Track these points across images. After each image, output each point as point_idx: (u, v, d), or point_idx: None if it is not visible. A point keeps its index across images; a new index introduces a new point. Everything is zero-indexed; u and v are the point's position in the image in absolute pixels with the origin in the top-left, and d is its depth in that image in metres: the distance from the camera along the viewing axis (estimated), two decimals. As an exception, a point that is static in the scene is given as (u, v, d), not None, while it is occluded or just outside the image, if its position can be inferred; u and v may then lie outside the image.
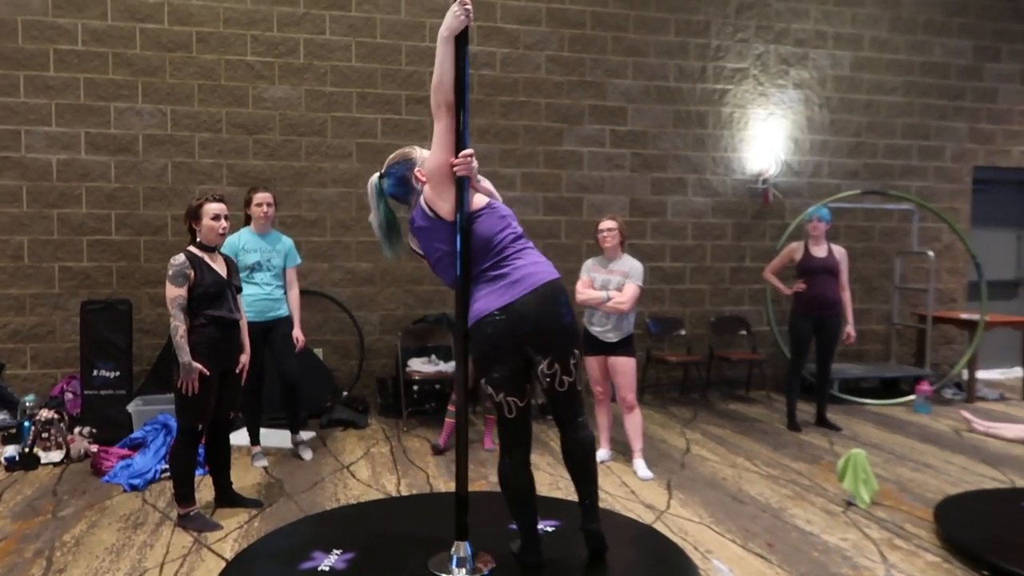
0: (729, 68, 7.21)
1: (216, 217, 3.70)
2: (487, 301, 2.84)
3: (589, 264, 4.82)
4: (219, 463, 3.95)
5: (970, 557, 3.40)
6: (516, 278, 2.84)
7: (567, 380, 2.91)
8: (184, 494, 3.67)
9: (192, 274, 3.59)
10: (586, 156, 6.87)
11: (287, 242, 4.86)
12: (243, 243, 4.64)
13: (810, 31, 7.40)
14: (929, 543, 3.63)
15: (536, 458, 4.98)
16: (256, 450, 4.78)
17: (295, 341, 4.75)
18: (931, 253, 7.45)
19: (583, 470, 3.03)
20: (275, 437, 5.21)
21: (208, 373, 3.58)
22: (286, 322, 4.75)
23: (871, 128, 7.60)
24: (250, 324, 4.52)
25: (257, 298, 4.61)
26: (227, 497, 3.95)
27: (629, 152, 6.98)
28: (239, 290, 3.89)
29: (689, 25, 7.07)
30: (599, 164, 6.91)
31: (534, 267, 2.89)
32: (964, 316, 7.26)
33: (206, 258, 3.69)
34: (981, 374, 7.50)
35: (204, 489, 4.13)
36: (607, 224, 4.71)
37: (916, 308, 7.69)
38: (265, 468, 4.65)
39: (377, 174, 3.13)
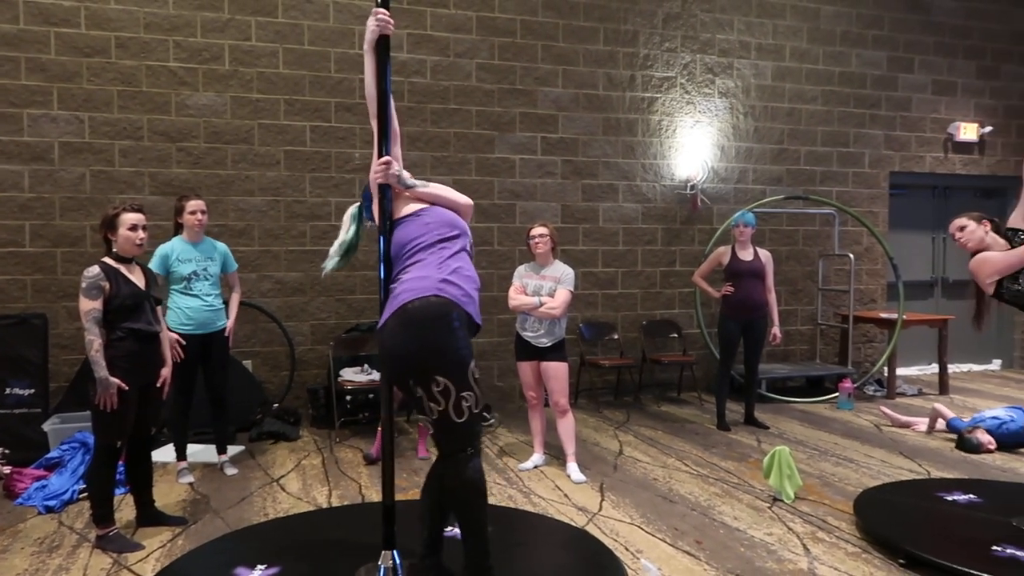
0: (657, 77, 7.35)
1: (133, 227, 3.59)
2: (384, 314, 2.74)
3: (521, 270, 4.84)
4: (140, 481, 3.82)
5: (887, 547, 3.53)
6: (394, 294, 2.72)
7: (434, 408, 2.60)
8: (103, 514, 3.54)
9: (107, 286, 3.47)
10: (518, 163, 6.91)
11: (222, 248, 4.76)
12: (176, 253, 4.52)
13: (734, 42, 7.61)
14: (849, 535, 3.75)
15: (470, 465, 4.96)
16: (182, 466, 4.65)
17: (227, 334, 4.65)
18: (851, 255, 7.73)
19: (456, 509, 2.74)
20: (202, 452, 5.07)
21: (126, 388, 3.46)
22: (224, 334, 4.65)
23: (793, 135, 7.85)
24: (189, 337, 4.42)
25: (196, 310, 4.50)
26: (149, 516, 3.82)
27: (560, 159, 7.06)
28: (158, 302, 3.78)
29: (617, 35, 7.20)
30: (531, 171, 6.96)
31: (410, 283, 2.67)
32: (883, 315, 7.55)
33: (122, 269, 3.57)
34: (900, 371, 7.80)
35: (125, 508, 3.99)
36: (539, 230, 4.75)
37: (839, 308, 7.96)
38: (191, 484, 4.52)
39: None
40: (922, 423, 5.96)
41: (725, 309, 5.89)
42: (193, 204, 4.57)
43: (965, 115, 8.55)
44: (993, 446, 5.30)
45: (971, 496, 4.07)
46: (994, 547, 3.36)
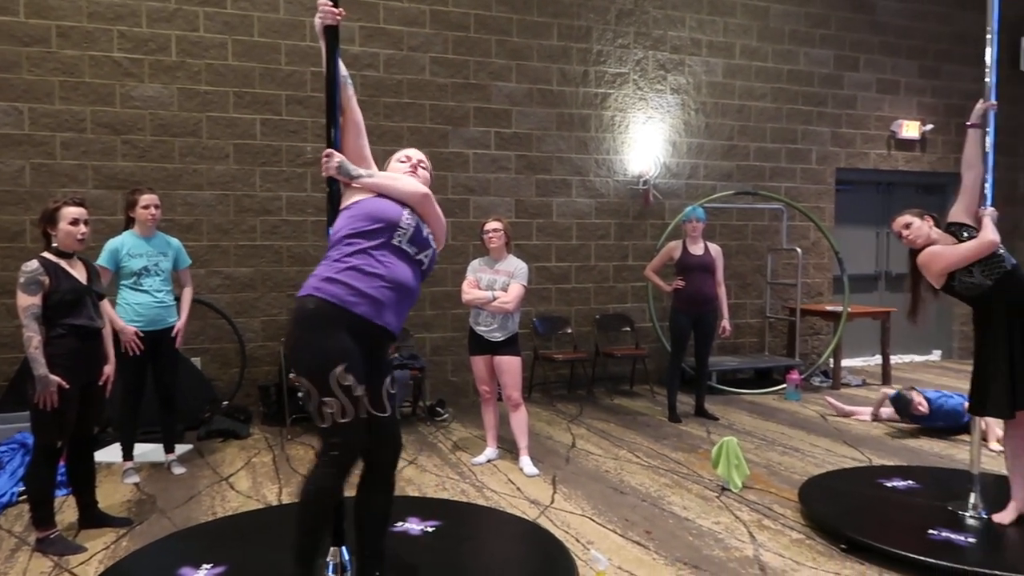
0: (610, 73, 7.41)
1: (75, 222, 3.49)
2: None
3: (475, 264, 4.85)
4: (83, 482, 3.73)
5: (830, 533, 3.63)
6: None
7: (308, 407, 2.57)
8: (42, 517, 3.45)
9: (47, 281, 3.37)
10: (471, 158, 6.91)
11: (175, 244, 4.66)
12: (127, 248, 4.41)
13: (686, 39, 7.71)
14: (794, 522, 3.85)
15: (424, 460, 4.97)
16: (128, 466, 4.55)
17: (175, 333, 4.56)
18: (799, 250, 7.90)
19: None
20: (150, 452, 4.97)
21: (67, 386, 3.37)
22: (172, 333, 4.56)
23: (743, 132, 7.99)
24: (137, 334, 4.31)
25: (146, 306, 4.40)
26: (92, 517, 3.74)
27: (514, 154, 7.07)
28: (101, 297, 3.69)
29: (571, 30, 7.23)
30: (484, 166, 6.96)
31: (307, 281, 2.63)
32: (829, 308, 7.74)
33: (63, 264, 3.48)
34: (845, 362, 8.02)
35: (67, 510, 3.89)
36: (492, 225, 4.76)
37: (786, 302, 8.13)
38: (137, 484, 4.43)
39: None
40: (865, 412, 6.13)
41: (676, 303, 5.98)
42: (146, 198, 4.47)
43: (908, 113, 8.79)
44: (924, 408, 5.51)
45: (910, 482, 4.20)
46: (930, 531, 3.48)
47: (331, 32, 2.83)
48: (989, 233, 3.45)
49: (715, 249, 6.03)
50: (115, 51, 5.84)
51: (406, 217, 2.67)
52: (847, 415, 6.19)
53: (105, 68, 5.82)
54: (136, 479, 4.49)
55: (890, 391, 6.00)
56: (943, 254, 3.52)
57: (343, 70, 2.88)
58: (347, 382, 2.47)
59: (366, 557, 2.82)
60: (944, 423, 5.57)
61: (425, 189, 2.77)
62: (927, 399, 5.58)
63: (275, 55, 6.25)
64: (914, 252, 3.71)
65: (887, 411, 6.01)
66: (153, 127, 5.96)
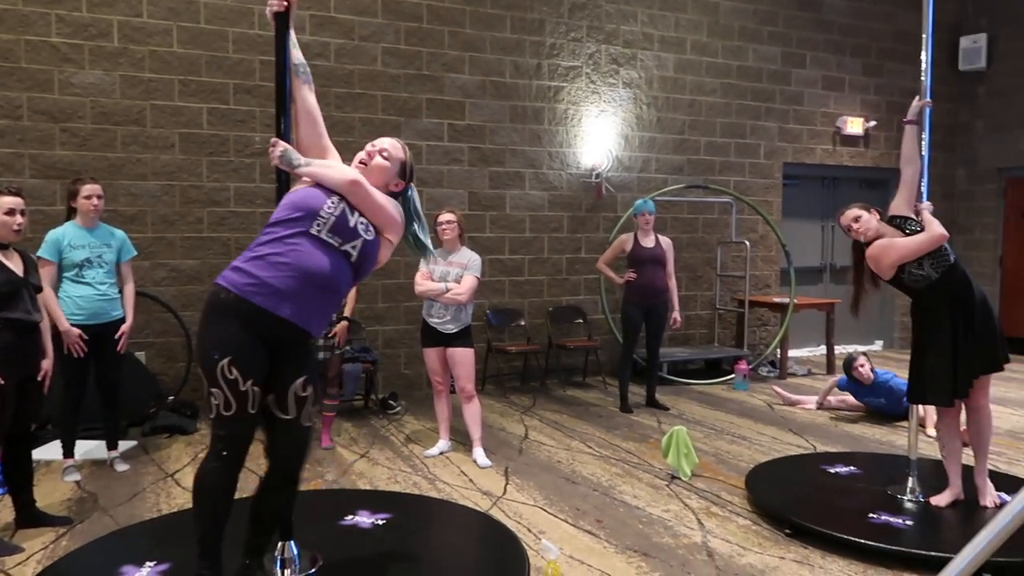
0: (563, 66, 7.43)
1: (10, 212, 3.38)
2: None
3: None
4: (19, 480, 3.60)
5: (775, 518, 3.71)
6: None
7: None
8: (-23, 516, 3.34)
9: (-20, 273, 3.25)
10: (424, 150, 6.86)
11: (120, 235, 4.53)
12: (68, 239, 4.27)
13: (638, 33, 7.77)
14: (741, 508, 3.93)
15: (376, 453, 4.94)
16: (68, 463, 4.42)
17: (120, 336, 4.43)
18: (747, 243, 8.05)
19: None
20: (92, 449, 4.84)
21: (3, 382, 3.26)
22: (119, 325, 4.43)
23: (694, 126, 8.09)
24: (80, 328, 4.19)
25: (88, 299, 4.27)
26: (30, 516, 3.62)
27: (467, 146, 7.05)
28: (38, 289, 3.57)
29: (524, 23, 7.23)
30: (437, 158, 6.93)
31: None
32: (776, 300, 7.91)
33: (-2, 255, 3.36)
34: (792, 352, 8.20)
35: (4, 510, 3.77)
36: (446, 217, 4.74)
37: (735, 293, 8.28)
38: (77, 482, 4.30)
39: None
40: (810, 401, 6.28)
41: (627, 295, 6.04)
42: (88, 188, 4.34)
43: (852, 110, 9.01)
44: (866, 370, 5.72)
45: (851, 468, 4.32)
46: (871, 515, 3.59)
47: (280, 19, 2.78)
48: (937, 227, 3.56)
49: (666, 242, 6.10)
50: (53, 36, 5.65)
51: (328, 206, 2.54)
52: (793, 404, 6.34)
53: (42, 53, 5.63)
54: (77, 477, 4.36)
55: (838, 378, 6.16)
56: (895, 246, 3.60)
57: (299, 59, 2.82)
58: (232, 375, 2.41)
59: (244, 550, 2.71)
60: (886, 401, 5.71)
61: (353, 175, 2.57)
62: (874, 373, 5.75)
63: (222, 43, 6.11)
64: (858, 245, 3.80)
65: (835, 398, 6.17)
66: (94, 115, 5.78)
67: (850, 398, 6.08)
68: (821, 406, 6.20)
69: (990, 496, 3.73)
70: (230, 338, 2.43)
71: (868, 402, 5.88)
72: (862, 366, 5.75)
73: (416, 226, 2.85)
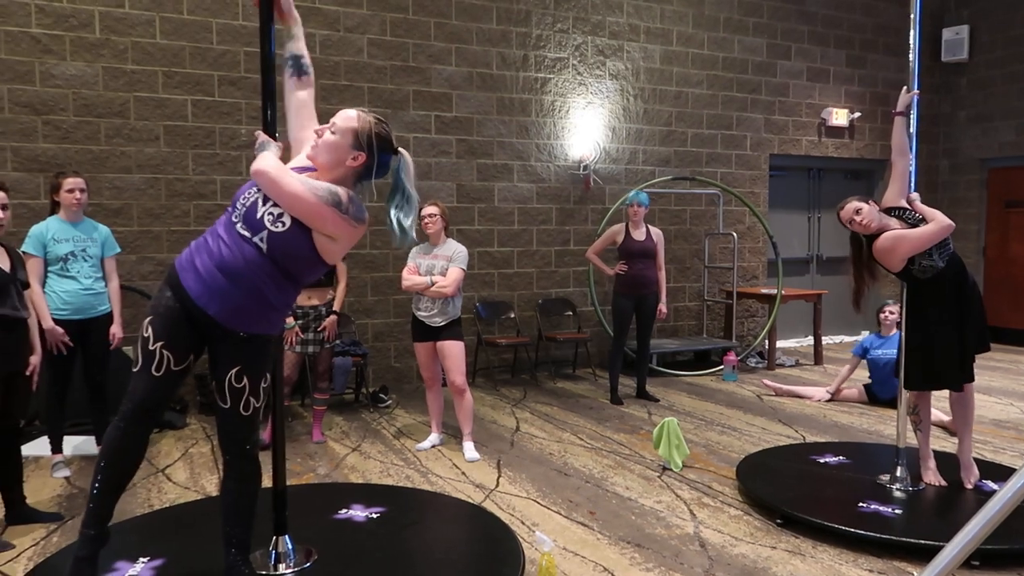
0: (550, 58, 7.41)
1: None
2: None
3: (414, 251, 4.80)
4: (8, 477, 3.56)
5: (766, 508, 3.74)
6: None
7: None
8: (-35, 514, 3.30)
9: (-35, 268, 3.21)
10: (412, 142, 6.83)
11: (103, 230, 4.49)
12: (52, 233, 4.23)
13: (624, 24, 7.76)
14: (732, 499, 3.95)
15: (368, 447, 4.93)
16: (57, 459, 4.38)
17: (111, 338, 4.40)
18: (735, 234, 8.08)
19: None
20: (81, 444, 4.80)
21: (-10, 378, 3.22)
22: (106, 320, 4.39)
23: (680, 118, 8.10)
24: (66, 323, 4.16)
25: (74, 293, 4.23)
26: (20, 513, 3.58)
27: (455, 138, 7.02)
28: (25, 285, 3.53)
29: (510, 14, 7.20)
30: (425, 150, 6.90)
31: None
32: (764, 291, 7.96)
33: (-18, 250, 3.31)
34: (780, 343, 8.26)
35: (-8, 506, 3.73)
36: (429, 210, 4.72)
37: (723, 285, 8.32)
38: (67, 478, 4.27)
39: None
40: (817, 393, 6.24)
41: (618, 286, 6.05)
42: (71, 182, 4.29)
43: (836, 101, 9.06)
44: (894, 316, 5.78)
45: (841, 458, 4.35)
46: (860, 504, 3.62)
47: (264, 6, 2.76)
48: (943, 216, 3.62)
49: (656, 233, 6.12)
50: (33, 27, 5.56)
51: (244, 196, 2.50)
52: (794, 395, 6.31)
53: (23, 44, 5.54)
54: (66, 472, 4.33)
55: (853, 348, 6.15)
56: (907, 238, 3.61)
57: (291, 50, 2.80)
58: (147, 334, 2.48)
59: (224, 542, 2.68)
60: (895, 356, 5.57)
61: (256, 166, 2.41)
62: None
63: (206, 34, 6.04)
64: (856, 238, 3.81)
65: (847, 389, 6.16)
66: (76, 107, 5.70)
67: (855, 391, 6.11)
68: (834, 396, 6.15)
69: (973, 476, 3.80)
70: (157, 302, 2.52)
71: (881, 356, 5.84)
72: (892, 312, 5.81)
73: (394, 205, 2.57)
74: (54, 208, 4.35)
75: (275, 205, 2.43)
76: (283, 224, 2.41)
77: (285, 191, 2.39)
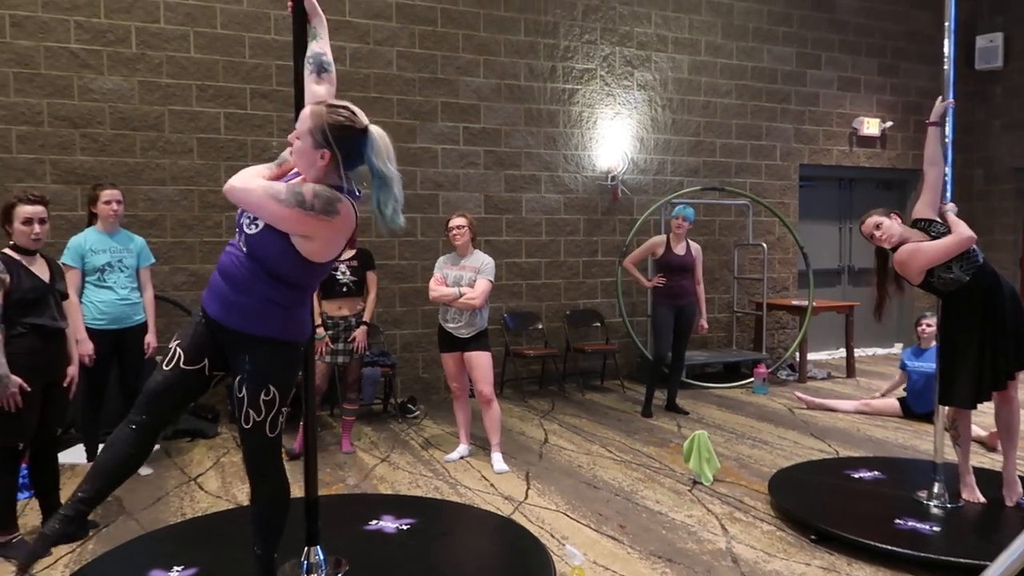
0: (577, 69, 7.42)
1: (27, 221, 3.37)
2: (306, 324, 2.68)
3: (441, 261, 4.82)
4: (46, 484, 3.62)
5: (799, 524, 3.68)
6: None
7: None
8: (4, 520, 3.35)
9: (7, 279, 3.27)
10: (440, 153, 6.86)
11: (139, 241, 4.58)
12: (90, 244, 4.32)
13: (652, 35, 7.75)
14: (765, 514, 3.90)
15: (396, 457, 4.93)
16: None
17: (147, 347, 4.46)
18: (765, 245, 8.01)
19: None
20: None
21: (28, 388, 3.27)
22: (141, 329, 4.46)
23: (709, 128, 8.06)
24: (102, 332, 4.23)
25: (111, 303, 4.31)
26: (56, 520, 3.64)
27: (483, 150, 7.04)
28: (64, 296, 3.59)
29: (538, 25, 7.22)
30: (453, 161, 6.93)
31: None
32: (795, 302, 7.86)
33: (24, 261, 3.37)
34: (811, 355, 8.15)
35: (30, 513, 3.79)
36: (456, 222, 4.73)
37: (753, 296, 8.24)
38: (101, 486, 4.32)
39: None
40: (849, 405, 6.18)
41: (658, 296, 6.00)
42: (108, 193, 4.37)
43: (868, 110, 8.95)
44: (931, 329, 5.55)
45: (876, 473, 4.28)
46: (897, 521, 3.55)
47: (298, 16, 2.82)
48: (964, 229, 3.53)
49: (696, 248, 6.08)
50: (72, 42, 5.68)
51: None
52: (826, 409, 6.23)
53: (62, 60, 5.67)
54: (100, 481, 4.38)
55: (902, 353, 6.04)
56: (923, 251, 3.56)
57: (312, 49, 2.82)
58: (174, 338, 2.61)
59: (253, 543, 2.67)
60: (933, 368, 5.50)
61: (228, 183, 2.42)
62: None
63: (239, 47, 6.13)
64: (881, 250, 3.77)
65: (879, 401, 6.08)
66: (113, 120, 5.82)
67: (889, 404, 6.02)
68: (868, 409, 6.10)
69: (1016, 494, 3.71)
70: (193, 315, 2.67)
71: (917, 368, 5.75)
72: (929, 325, 5.70)
73: (374, 188, 2.42)
74: (91, 220, 4.43)
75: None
76: (256, 227, 2.42)
77: (250, 201, 2.37)
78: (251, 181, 2.40)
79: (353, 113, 2.42)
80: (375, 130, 2.42)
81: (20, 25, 5.53)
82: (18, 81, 5.55)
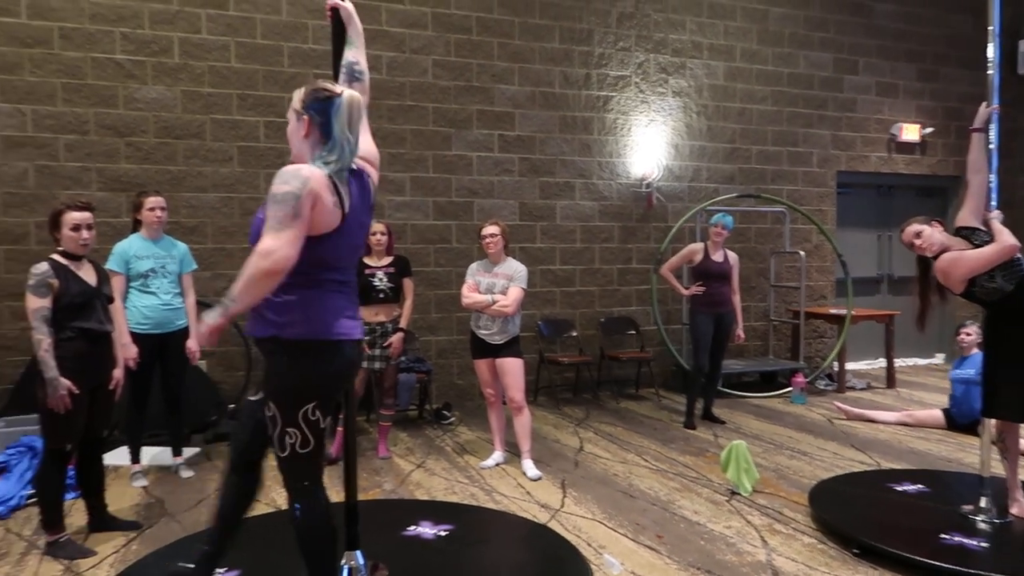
0: (612, 76, 7.41)
1: (76, 228, 3.45)
2: (352, 321, 2.47)
3: (473, 268, 4.84)
4: (92, 485, 3.71)
5: (841, 537, 3.61)
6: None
7: None
8: (52, 520, 3.43)
9: (56, 283, 3.35)
10: (475, 160, 6.90)
11: (182, 247, 4.66)
12: (135, 250, 4.41)
13: (687, 42, 7.72)
14: (805, 526, 3.84)
15: (432, 463, 4.95)
16: (135, 469, 4.53)
17: (189, 352, 4.54)
18: (802, 253, 7.91)
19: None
20: (157, 455, 4.94)
21: (76, 390, 3.35)
22: (183, 334, 4.54)
23: (744, 135, 8.00)
24: (146, 336, 4.31)
25: (154, 308, 4.40)
26: (101, 521, 3.72)
27: (517, 157, 7.06)
28: (110, 300, 3.67)
29: (572, 33, 7.23)
30: (488, 169, 6.95)
31: None
32: (833, 311, 7.74)
33: (71, 266, 3.46)
34: (850, 365, 8.02)
35: (76, 513, 3.86)
36: (490, 230, 4.74)
37: (790, 305, 8.13)
38: (145, 488, 4.41)
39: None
40: (889, 414, 6.10)
41: (697, 304, 5.94)
42: (152, 200, 4.47)
43: (907, 116, 8.81)
44: (971, 338, 5.50)
45: (920, 486, 4.19)
46: (942, 535, 3.47)
47: (337, 27, 2.87)
48: (1008, 236, 3.46)
49: (733, 257, 6.03)
50: (118, 53, 5.82)
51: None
52: (864, 419, 6.14)
53: (108, 70, 5.80)
54: (144, 482, 4.46)
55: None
56: (964, 260, 3.50)
57: (346, 58, 2.84)
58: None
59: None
60: (975, 374, 5.23)
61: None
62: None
63: (278, 57, 6.23)
64: (923, 258, 3.71)
65: (929, 416, 5.98)
66: (157, 129, 5.94)
67: (932, 415, 5.92)
68: (913, 417, 6.00)
69: None
70: None
71: (957, 376, 5.65)
72: (968, 334, 5.57)
73: (327, 150, 2.36)
74: (136, 226, 4.52)
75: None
76: (258, 215, 2.35)
77: (271, 252, 2.18)
78: (265, 246, 2.19)
79: (331, 87, 2.43)
80: (346, 95, 2.39)
81: (68, 37, 5.68)
82: (66, 91, 5.69)
